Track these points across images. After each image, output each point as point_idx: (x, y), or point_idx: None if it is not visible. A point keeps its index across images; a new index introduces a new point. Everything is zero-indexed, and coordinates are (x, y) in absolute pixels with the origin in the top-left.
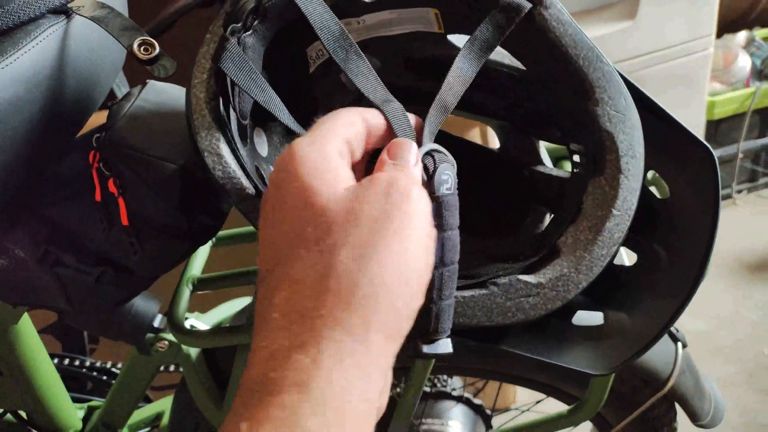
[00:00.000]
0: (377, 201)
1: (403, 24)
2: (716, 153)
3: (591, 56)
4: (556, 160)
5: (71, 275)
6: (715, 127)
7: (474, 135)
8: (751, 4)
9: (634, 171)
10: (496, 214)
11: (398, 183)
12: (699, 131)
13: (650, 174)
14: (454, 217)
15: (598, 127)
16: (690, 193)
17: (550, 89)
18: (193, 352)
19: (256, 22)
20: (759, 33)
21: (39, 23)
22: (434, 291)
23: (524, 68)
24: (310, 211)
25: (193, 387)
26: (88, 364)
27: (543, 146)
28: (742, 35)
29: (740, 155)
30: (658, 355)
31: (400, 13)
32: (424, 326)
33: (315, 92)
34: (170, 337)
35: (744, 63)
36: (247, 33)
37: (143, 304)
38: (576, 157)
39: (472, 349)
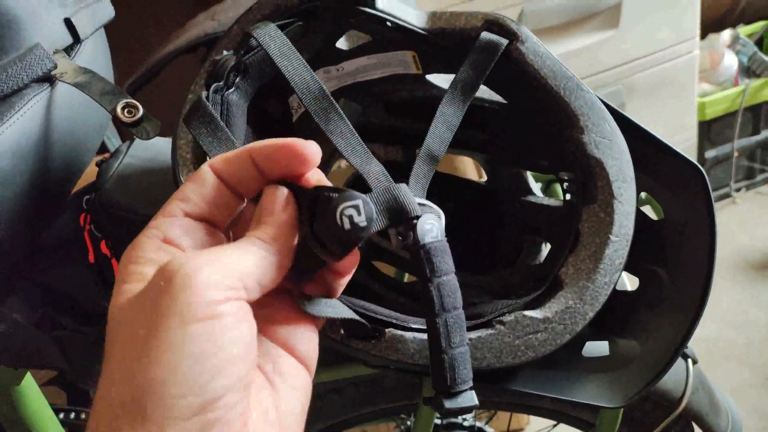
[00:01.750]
0: (146, 297)
1: (382, 68)
2: (711, 153)
3: (571, 85)
4: (548, 184)
5: (69, 336)
6: (707, 127)
7: (468, 165)
8: (733, 2)
9: (626, 195)
10: (491, 249)
11: (166, 268)
12: (692, 133)
13: (643, 195)
14: (445, 263)
15: (586, 155)
16: (684, 211)
17: (533, 121)
18: None
19: (237, 79)
20: (743, 30)
21: (22, 94)
22: (442, 340)
23: (505, 102)
24: (109, 317)
25: None
26: None
27: (530, 175)
28: (726, 34)
29: (736, 153)
30: (669, 374)
31: (379, 57)
32: (441, 380)
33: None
34: None
35: (731, 62)
36: (229, 90)
37: None
38: (566, 185)
39: (480, 389)
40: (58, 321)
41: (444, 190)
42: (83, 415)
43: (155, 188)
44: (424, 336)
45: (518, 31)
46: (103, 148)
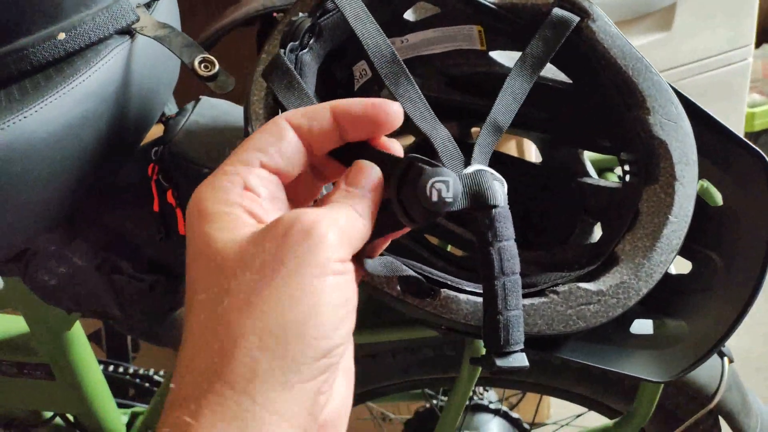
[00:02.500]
0: (272, 243)
1: (446, 42)
2: None
3: (640, 66)
4: (600, 172)
5: (126, 282)
6: (755, 138)
7: (510, 148)
8: None
9: (688, 178)
10: (543, 227)
11: (301, 221)
12: None
13: (704, 183)
14: (507, 228)
15: (651, 136)
16: (743, 199)
17: (597, 100)
18: None
19: (311, 41)
20: None
21: (107, 43)
22: (498, 301)
23: (568, 81)
24: (204, 259)
25: None
26: (131, 371)
27: (587, 157)
28: None
29: None
30: (704, 370)
31: (444, 31)
32: (495, 339)
33: None
34: None
35: None
36: (303, 51)
37: None
38: (626, 166)
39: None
40: (117, 266)
41: (498, 168)
42: (121, 369)
43: (221, 145)
44: (477, 299)
45: (590, 9)
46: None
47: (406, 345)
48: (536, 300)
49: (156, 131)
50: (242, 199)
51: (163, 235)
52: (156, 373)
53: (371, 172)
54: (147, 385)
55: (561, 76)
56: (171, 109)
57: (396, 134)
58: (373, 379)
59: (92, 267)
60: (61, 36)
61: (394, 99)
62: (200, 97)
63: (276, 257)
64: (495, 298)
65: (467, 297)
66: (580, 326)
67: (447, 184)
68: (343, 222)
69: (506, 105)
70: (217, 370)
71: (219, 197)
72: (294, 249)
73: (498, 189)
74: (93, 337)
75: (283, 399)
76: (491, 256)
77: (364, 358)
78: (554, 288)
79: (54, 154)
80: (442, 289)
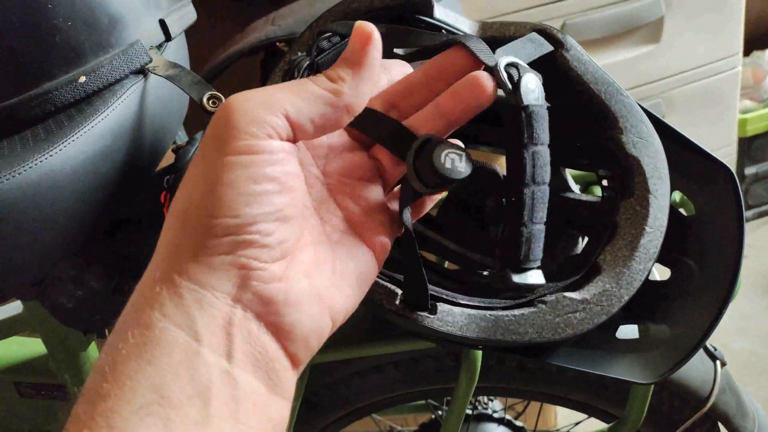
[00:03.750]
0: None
1: None
2: (752, 169)
3: (612, 90)
4: (586, 186)
5: None
6: (748, 144)
7: (501, 165)
8: None
9: (661, 191)
10: None
11: (222, 105)
12: (731, 149)
13: (677, 196)
14: (543, 131)
15: (625, 153)
16: (714, 209)
17: (574, 122)
18: None
19: None
20: None
21: (123, 83)
22: (525, 212)
23: (548, 104)
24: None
25: None
26: None
27: (570, 175)
28: None
29: None
30: (697, 373)
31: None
32: (514, 253)
33: None
34: None
35: None
36: None
37: None
38: (604, 182)
39: (518, 368)
40: (132, 288)
41: (485, 185)
42: None
43: None
44: (472, 311)
45: (563, 39)
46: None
47: (408, 356)
48: (526, 310)
49: (168, 157)
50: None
51: None
52: None
53: (359, 42)
54: None
55: None
56: (181, 137)
57: None
58: (377, 391)
59: (108, 290)
60: (82, 79)
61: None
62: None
63: (200, 145)
64: (522, 207)
65: (461, 310)
66: (568, 333)
67: (460, 156)
68: (278, 96)
69: None
70: (162, 253)
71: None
72: (209, 134)
73: (536, 85)
74: None
75: (204, 272)
76: (524, 160)
77: (367, 370)
78: (542, 298)
79: (77, 188)
80: (438, 303)
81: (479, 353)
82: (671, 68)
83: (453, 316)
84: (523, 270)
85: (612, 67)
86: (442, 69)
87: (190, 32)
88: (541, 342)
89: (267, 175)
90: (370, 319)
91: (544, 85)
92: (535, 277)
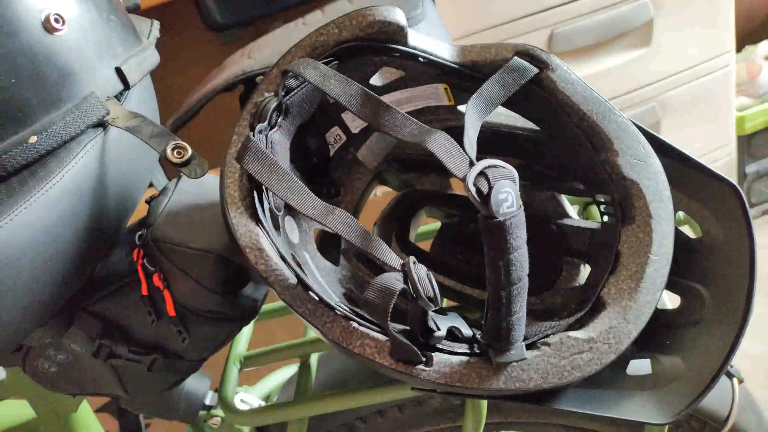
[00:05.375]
0: None
1: (415, 101)
2: (753, 167)
3: (603, 110)
4: (585, 206)
5: (125, 365)
6: (747, 141)
7: None
8: None
9: (664, 215)
10: (531, 273)
11: None
12: (731, 147)
13: (681, 215)
14: (520, 238)
15: (622, 177)
16: (722, 229)
17: (566, 145)
18: (246, 428)
19: (280, 119)
20: None
21: (79, 140)
22: (502, 310)
23: (538, 128)
24: None
25: None
26: None
27: (566, 199)
28: (764, 45)
29: None
30: (715, 393)
31: (411, 91)
32: (495, 339)
33: (336, 173)
34: (221, 413)
35: None
36: (273, 130)
37: (194, 383)
38: (603, 207)
39: (526, 408)
40: (114, 350)
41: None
42: None
43: (205, 223)
44: (472, 359)
45: (548, 59)
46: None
47: (412, 398)
48: (529, 354)
49: (142, 210)
50: None
51: (154, 318)
52: None
53: None
54: None
55: (530, 125)
56: (160, 181)
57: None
58: None
59: (89, 353)
60: (33, 139)
61: (385, 134)
62: (181, 175)
63: None
64: (500, 307)
65: (459, 359)
66: (575, 376)
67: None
68: None
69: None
70: None
71: None
72: None
73: (508, 192)
74: (105, 409)
75: None
76: (499, 270)
77: (371, 416)
78: (545, 340)
79: (35, 258)
80: (434, 353)
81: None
82: (664, 71)
83: (451, 366)
84: (504, 351)
85: (604, 74)
86: None
87: (169, 70)
88: (547, 388)
89: None
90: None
91: (532, 109)
92: (516, 354)
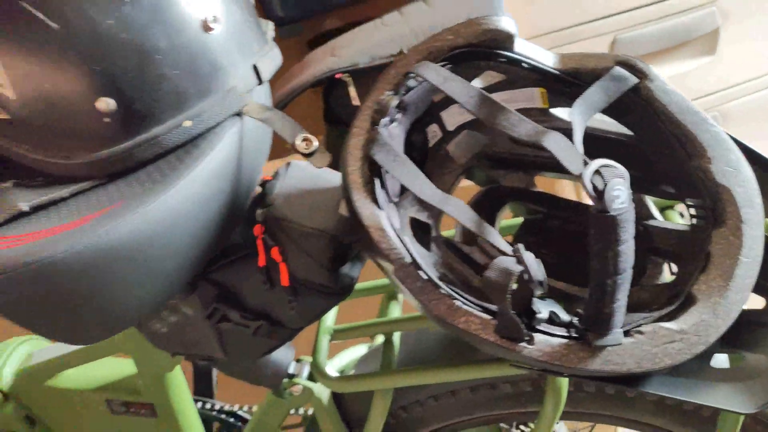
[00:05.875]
0: None
1: (510, 103)
2: None
3: (697, 120)
4: (661, 210)
5: (232, 329)
6: None
7: (569, 192)
8: None
9: (755, 220)
10: None
11: None
12: None
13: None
14: (628, 232)
15: (714, 183)
16: None
17: (659, 151)
18: (325, 396)
19: (399, 115)
20: None
21: (223, 125)
22: (606, 297)
23: (631, 133)
24: None
25: (324, 428)
26: (217, 407)
27: (651, 201)
28: None
29: None
30: None
31: (509, 93)
32: (596, 326)
33: (430, 167)
34: (303, 382)
35: None
36: (392, 125)
37: (282, 353)
38: (694, 210)
39: (595, 393)
40: (226, 314)
41: (567, 216)
42: (208, 405)
43: (317, 205)
44: (570, 341)
45: (647, 70)
46: None
47: (485, 381)
48: (625, 340)
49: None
50: None
51: (268, 287)
52: (240, 408)
53: None
54: (232, 420)
55: (622, 129)
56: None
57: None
58: (453, 414)
59: (202, 316)
60: (188, 123)
61: (499, 133)
62: (289, 162)
63: None
64: (604, 295)
65: (559, 340)
66: (666, 363)
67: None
68: None
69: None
70: None
71: None
72: None
73: (621, 190)
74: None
75: None
76: (607, 261)
77: (444, 395)
78: (639, 329)
79: (190, 226)
80: (535, 333)
81: (565, 380)
82: (727, 80)
83: (552, 346)
84: (604, 335)
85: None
86: None
87: None
88: (638, 373)
89: None
90: (450, 343)
91: (627, 115)
92: (614, 338)
